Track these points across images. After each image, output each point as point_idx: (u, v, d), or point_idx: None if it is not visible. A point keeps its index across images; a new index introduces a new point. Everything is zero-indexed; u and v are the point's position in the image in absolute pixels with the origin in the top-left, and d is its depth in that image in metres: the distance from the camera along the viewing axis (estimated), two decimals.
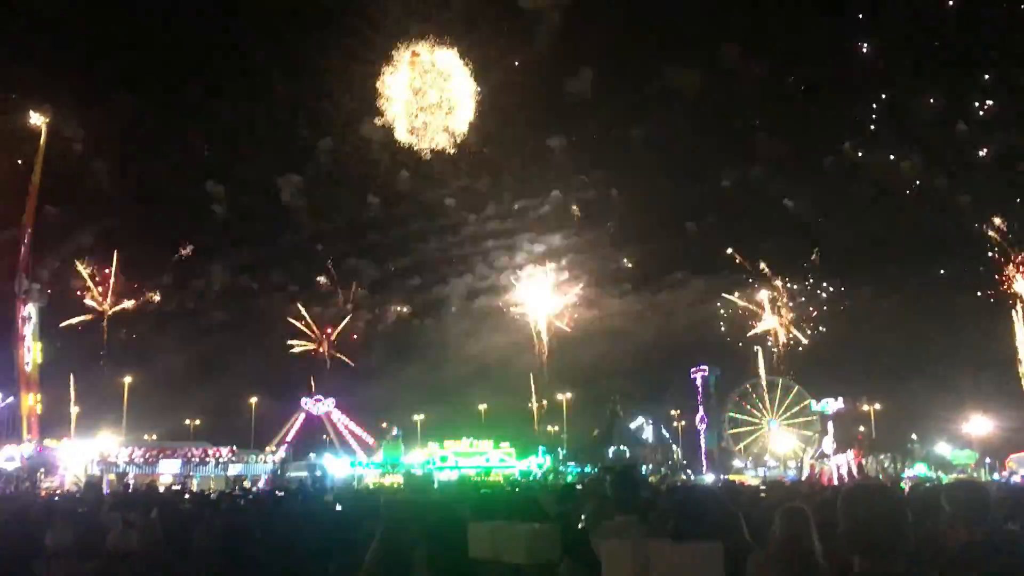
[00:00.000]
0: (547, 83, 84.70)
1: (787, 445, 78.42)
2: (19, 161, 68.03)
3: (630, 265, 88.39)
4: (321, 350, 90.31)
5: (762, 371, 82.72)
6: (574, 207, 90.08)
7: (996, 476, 47.37)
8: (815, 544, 5.82)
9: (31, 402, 63.48)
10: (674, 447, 79.37)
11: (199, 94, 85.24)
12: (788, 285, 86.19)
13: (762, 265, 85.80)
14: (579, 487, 15.46)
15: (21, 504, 19.58)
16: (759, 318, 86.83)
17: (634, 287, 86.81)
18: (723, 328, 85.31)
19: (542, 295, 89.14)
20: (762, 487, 27.65)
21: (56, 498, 26.51)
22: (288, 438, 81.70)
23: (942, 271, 79.06)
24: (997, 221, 76.34)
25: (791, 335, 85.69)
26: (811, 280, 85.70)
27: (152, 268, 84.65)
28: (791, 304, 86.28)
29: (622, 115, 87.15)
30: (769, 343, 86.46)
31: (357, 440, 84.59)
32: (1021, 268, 76.21)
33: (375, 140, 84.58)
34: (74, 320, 79.08)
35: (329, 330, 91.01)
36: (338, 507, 18.13)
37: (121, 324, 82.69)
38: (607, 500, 6.92)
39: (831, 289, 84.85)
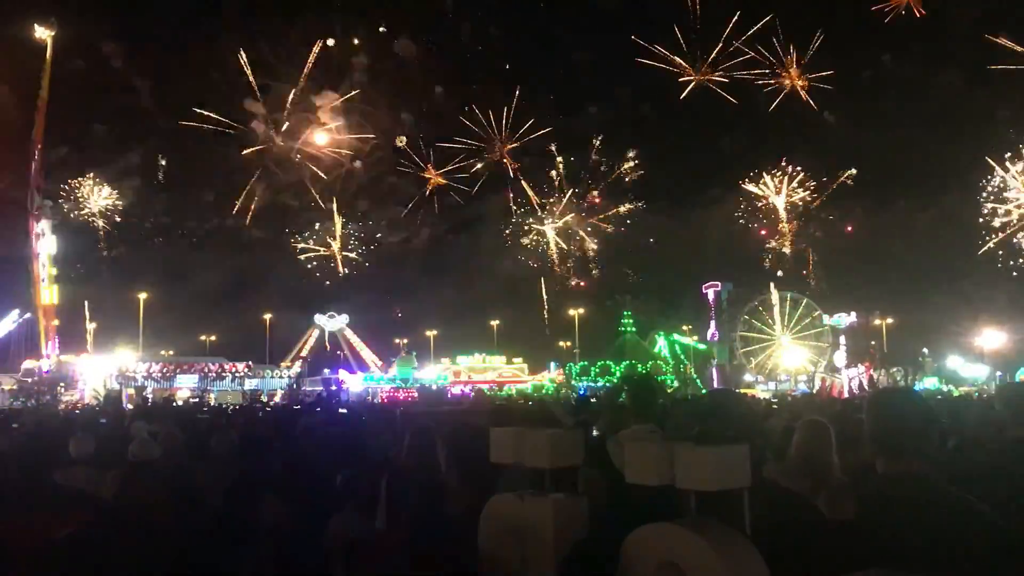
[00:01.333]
0: None
1: (798, 359, 78.82)
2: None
3: (659, 181, 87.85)
4: (336, 264, 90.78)
5: (775, 285, 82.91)
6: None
7: None
8: (834, 458, 5.83)
9: (48, 318, 64.19)
10: (686, 362, 79.86)
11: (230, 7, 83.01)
12: (813, 197, 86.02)
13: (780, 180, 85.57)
14: (593, 400, 15.62)
15: (42, 416, 19.98)
16: (777, 233, 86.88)
17: (668, 203, 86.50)
18: (741, 244, 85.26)
19: (573, 213, 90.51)
20: (773, 400, 27.97)
21: (77, 411, 27.00)
22: (303, 354, 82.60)
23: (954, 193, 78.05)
24: None
25: (808, 249, 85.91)
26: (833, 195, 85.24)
27: (177, 184, 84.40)
28: (812, 215, 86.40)
29: (652, 28, 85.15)
30: (786, 258, 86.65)
31: (372, 355, 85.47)
32: None
33: (409, 58, 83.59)
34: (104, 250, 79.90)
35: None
36: (343, 411, 18.47)
37: (139, 241, 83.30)
38: (623, 409, 6.91)
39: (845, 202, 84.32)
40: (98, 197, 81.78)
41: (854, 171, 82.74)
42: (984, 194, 77.73)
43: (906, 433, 3.59)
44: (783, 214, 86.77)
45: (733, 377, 76.17)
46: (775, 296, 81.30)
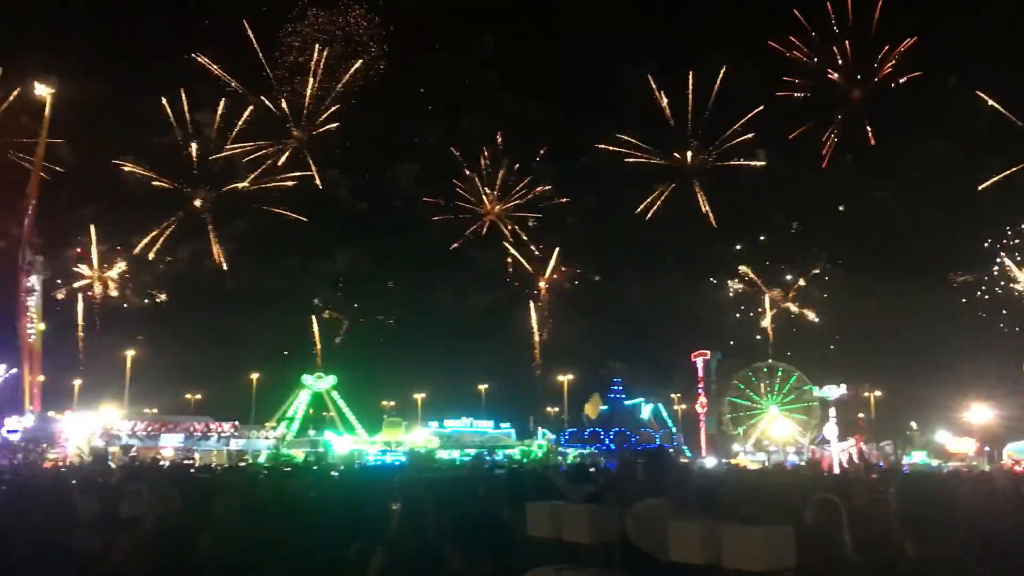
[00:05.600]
0: None
1: (786, 430, 78.59)
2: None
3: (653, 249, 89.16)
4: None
5: (768, 355, 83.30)
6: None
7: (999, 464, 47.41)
8: (846, 535, 5.83)
9: (33, 374, 63.61)
10: (675, 430, 79.55)
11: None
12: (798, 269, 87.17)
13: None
14: (592, 469, 15.55)
15: (29, 475, 19.74)
16: (763, 302, 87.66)
17: (648, 269, 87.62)
18: (729, 312, 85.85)
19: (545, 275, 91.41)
20: (765, 472, 27.85)
21: (63, 469, 26.65)
22: (289, 414, 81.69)
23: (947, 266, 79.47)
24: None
25: (795, 318, 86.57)
26: (822, 265, 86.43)
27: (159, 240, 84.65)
28: (797, 287, 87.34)
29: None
30: (769, 327, 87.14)
31: (359, 417, 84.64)
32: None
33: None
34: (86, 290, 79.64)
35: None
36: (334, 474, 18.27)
37: (126, 296, 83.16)
38: (636, 482, 6.94)
39: (836, 274, 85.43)
40: (91, 255, 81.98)
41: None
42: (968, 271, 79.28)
43: (933, 516, 3.66)
44: (767, 295, 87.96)
45: (722, 446, 75.83)
46: (764, 366, 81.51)
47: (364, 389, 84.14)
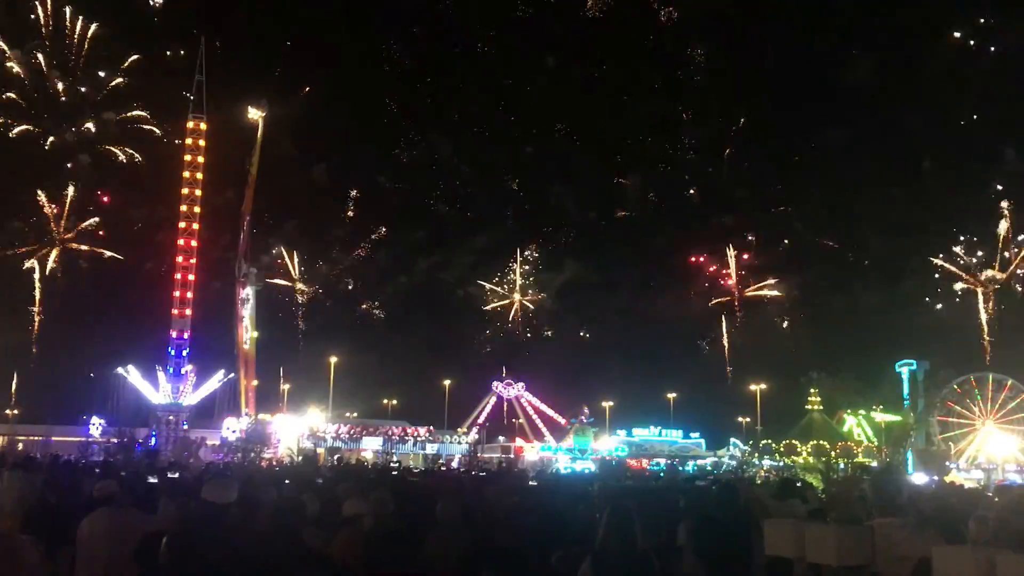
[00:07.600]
0: None
1: (1005, 447, 72.53)
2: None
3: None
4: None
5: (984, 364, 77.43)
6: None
7: None
8: None
9: (248, 378, 68.34)
10: (881, 442, 75.00)
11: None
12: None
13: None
14: (799, 484, 14.90)
15: (250, 472, 21.22)
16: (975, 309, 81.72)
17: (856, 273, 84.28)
18: (942, 319, 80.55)
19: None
20: (989, 492, 25.67)
21: (277, 467, 28.46)
22: (480, 420, 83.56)
23: None
24: None
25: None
26: None
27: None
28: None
29: None
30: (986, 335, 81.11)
31: (547, 424, 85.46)
32: None
33: None
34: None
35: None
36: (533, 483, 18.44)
37: (329, 305, 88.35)
38: (860, 500, 6.56)
39: None
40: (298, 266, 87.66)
41: None
42: None
43: None
44: (980, 294, 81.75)
45: (931, 463, 70.88)
46: (978, 376, 75.61)
47: (553, 396, 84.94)
